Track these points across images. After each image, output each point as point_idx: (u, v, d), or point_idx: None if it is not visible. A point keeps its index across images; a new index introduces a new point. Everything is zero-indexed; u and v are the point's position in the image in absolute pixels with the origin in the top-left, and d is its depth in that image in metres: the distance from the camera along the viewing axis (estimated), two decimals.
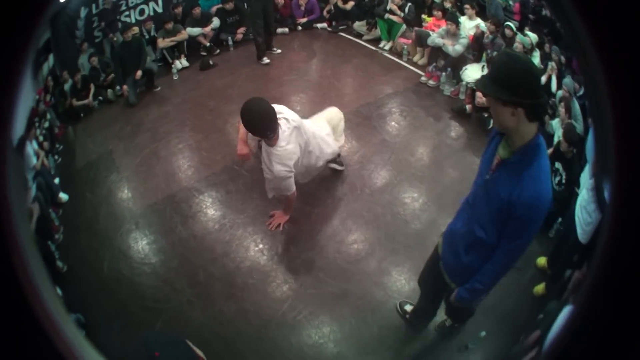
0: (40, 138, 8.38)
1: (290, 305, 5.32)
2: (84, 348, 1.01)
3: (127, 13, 11.27)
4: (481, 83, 2.66)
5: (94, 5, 10.85)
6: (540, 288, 5.21)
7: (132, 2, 11.28)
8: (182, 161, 7.85)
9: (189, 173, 7.56)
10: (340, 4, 11.35)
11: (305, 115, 6.78)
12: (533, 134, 2.69)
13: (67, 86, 10.08)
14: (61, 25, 10.59)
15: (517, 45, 7.77)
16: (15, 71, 0.88)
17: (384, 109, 8.29)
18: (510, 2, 9.17)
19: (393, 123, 7.98)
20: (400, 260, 5.59)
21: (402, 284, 5.41)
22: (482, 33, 8.63)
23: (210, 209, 6.77)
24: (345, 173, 6.87)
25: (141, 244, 6.45)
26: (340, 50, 10.69)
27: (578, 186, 5.31)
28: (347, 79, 9.71)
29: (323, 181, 6.79)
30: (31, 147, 7.51)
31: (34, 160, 7.41)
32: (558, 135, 6.43)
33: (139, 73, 10.21)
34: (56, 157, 8.76)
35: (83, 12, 10.67)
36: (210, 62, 10.66)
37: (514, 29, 8.22)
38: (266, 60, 10.37)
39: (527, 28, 8.27)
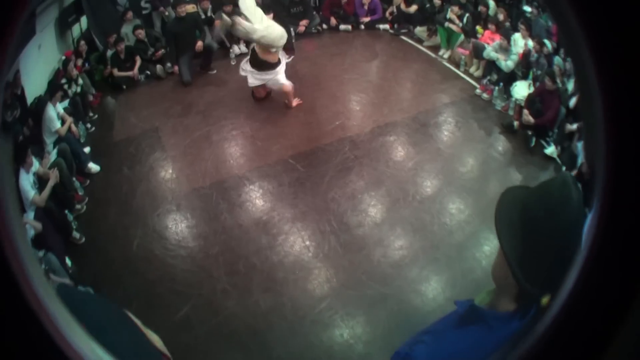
0: (65, 104, 8.55)
1: (329, 304, 5.58)
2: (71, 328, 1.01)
3: None
4: (506, 209, 1.96)
5: None
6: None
7: None
8: (234, 148, 8.10)
9: (241, 161, 7.80)
10: (403, 6, 11.54)
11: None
12: (508, 309, 1.99)
13: (109, 54, 10.18)
14: None
15: (555, 68, 8.05)
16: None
17: (441, 118, 8.57)
18: (549, 23, 9.46)
19: (448, 133, 8.26)
20: (441, 270, 5.87)
21: (439, 292, 5.69)
22: (529, 51, 8.92)
23: (260, 199, 7.00)
24: (400, 178, 7.16)
25: (180, 227, 6.72)
26: (402, 53, 10.91)
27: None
28: (407, 84, 9.95)
29: (377, 183, 7.10)
30: (54, 110, 7.73)
31: (57, 124, 7.66)
32: (581, 157, 6.79)
33: (200, 44, 10.31)
34: (89, 125, 8.95)
35: None
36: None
37: (549, 45, 8.56)
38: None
39: (562, 50, 8.55)
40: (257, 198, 7.03)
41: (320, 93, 9.06)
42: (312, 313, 5.55)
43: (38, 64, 9.01)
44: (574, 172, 6.60)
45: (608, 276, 0.89)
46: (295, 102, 8.71)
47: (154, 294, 5.86)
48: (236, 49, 10.89)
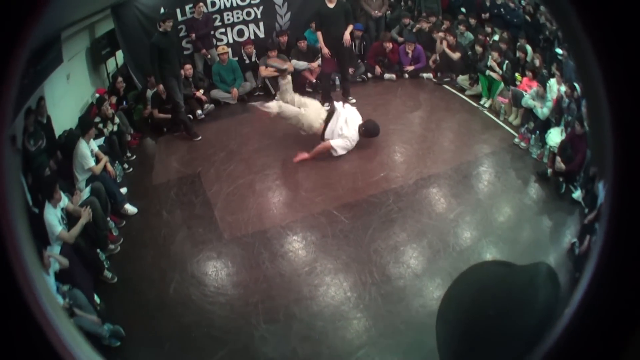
0: (100, 141, 8.70)
1: (366, 352, 5.72)
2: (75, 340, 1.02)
3: (222, 30, 11.64)
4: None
5: (178, 11, 11.16)
6: None
7: (228, 20, 11.65)
8: (278, 198, 8.29)
9: (284, 211, 7.97)
10: (448, 50, 11.69)
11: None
12: None
13: (149, 93, 10.33)
14: (132, 21, 10.89)
15: (583, 111, 8.10)
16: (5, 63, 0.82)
17: (481, 169, 8.77)
18: None
19: (488, 183, 8.44)
20: None
21: None
22: (562, 97, 9.02)
23: (302, 250, 7.14)
24: (442, 230, 7.32)
25: (220, 274, 6.90)
26: (445, 103, 11.14)
27: None
28: (449, 134, 10.16)
29: (420, 235, 7.26)
30: (87, 147, 7.84)
31: (90, 162, 7.79)
32: (601, 197, 6.84)
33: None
34: (126, 166, 9.15)
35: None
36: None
37: (578, 88, 8.54)
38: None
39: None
40: (299, 249, 7.17)
41: (365, 144, 9.21)
42: None
43: (67, 95, 9.28)
44: (593, 214, 6.79)
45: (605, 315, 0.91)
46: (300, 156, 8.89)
47: (188, 337, 6.00)
48: None
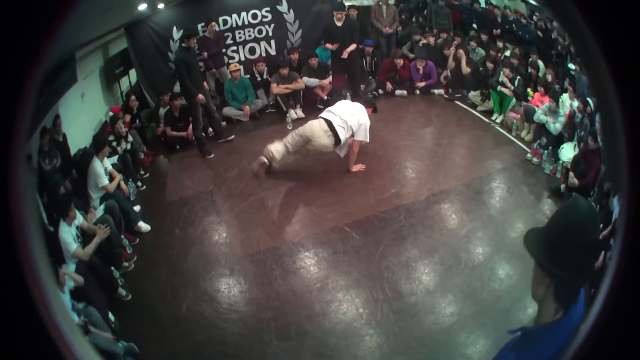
0: (114, 159, 8.70)
1: None
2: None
3: (234, 48, 11.72)
4: (529, 234, 2.32)
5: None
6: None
7: (240, 38, 11.73)
8: (290, 214, 8.28)
9: (296, 228, 7.96)
10: (464, 65, 11.70)
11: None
12: (551, 316, 2.22)
13: (161, 111, 10.43)
14: (146, 40, 10.99)
15: (597, 126, 7.98)
16: (21, 84, 0.84)
17: (493, 184, 8.76)
18: None
19: (500, 199, 8.41)
20: (487, 334, 5.94)
21: (484, 354, 5.74)
22: (574, 112, 9.00)
23: (314, 266, 7.14)
24: (454, 246, 7.31)
25: (233, 291, 6.90)
26: (456, 119, 11.19)
27: None
28: (461, 150, 10.12)
29: (431, 251, 7.25)
30: (101, 166, 7.85)
31: (104, 181, 7.79)
32: (616, 212, 6.65)
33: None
34: (139, 183, 9.19)
35: (177, 34, 11.06)
36: None
37: (591, 103, 8.49)
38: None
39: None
40: (311, 265, 7.17)
41: (377, 160, 9.31)
42: None
43: (82, 114, 9.37)
44: (607, 230, 6.62)
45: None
46: (356, 167, 9.05)
47: (201, 354, 6.02)
48: (293, 114, 11.09)
